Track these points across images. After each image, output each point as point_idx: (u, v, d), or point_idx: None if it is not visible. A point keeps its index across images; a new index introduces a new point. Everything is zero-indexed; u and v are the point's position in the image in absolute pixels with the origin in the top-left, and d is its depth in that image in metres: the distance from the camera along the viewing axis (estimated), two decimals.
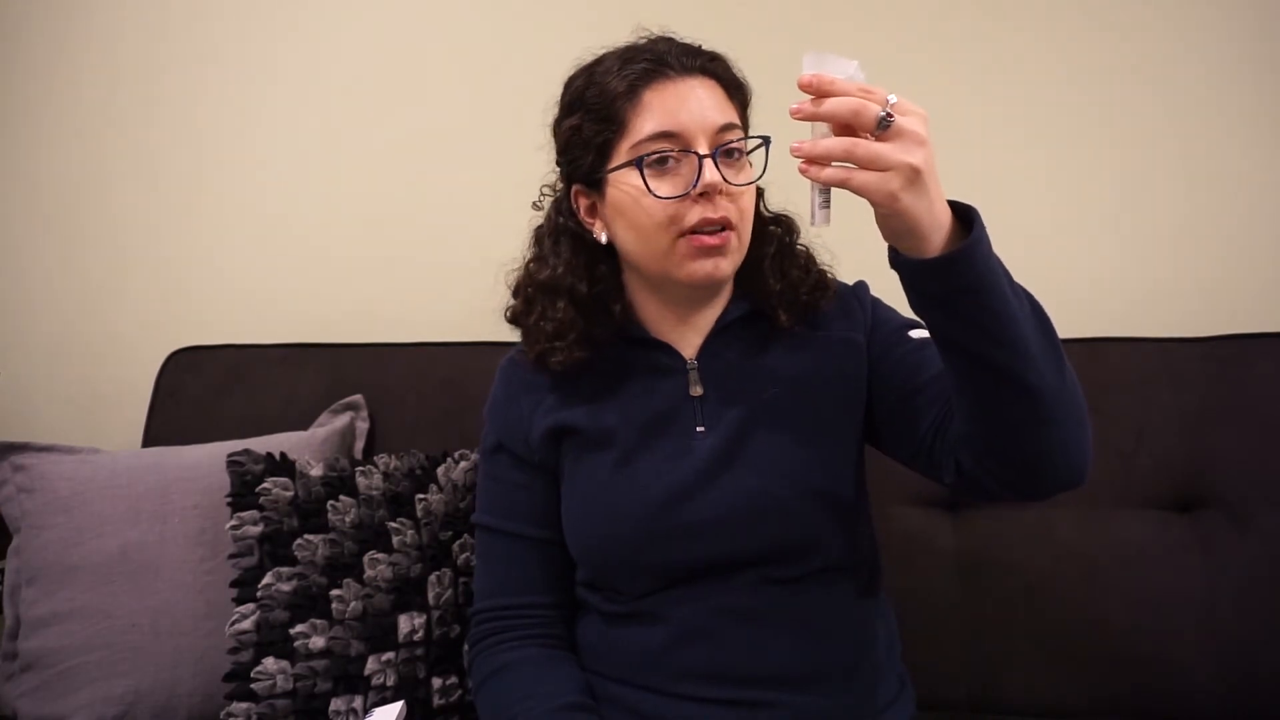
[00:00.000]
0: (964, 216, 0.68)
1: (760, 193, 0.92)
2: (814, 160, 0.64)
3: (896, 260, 0.68)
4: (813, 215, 0.67)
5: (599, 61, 0.86)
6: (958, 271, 0.65)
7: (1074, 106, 1.38)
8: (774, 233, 0.93)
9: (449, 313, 1.53)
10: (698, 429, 0.87)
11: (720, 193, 0.80)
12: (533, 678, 0.87)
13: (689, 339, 0.91)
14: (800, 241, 0.94)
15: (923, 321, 0.83)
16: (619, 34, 0.88)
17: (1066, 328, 1.26)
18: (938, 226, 0.65)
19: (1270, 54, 1.32)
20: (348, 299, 1.61)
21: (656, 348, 0.91)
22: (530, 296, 0.92)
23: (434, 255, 1.59)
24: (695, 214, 0.80)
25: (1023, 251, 1.40)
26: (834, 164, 0.63)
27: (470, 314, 1.44)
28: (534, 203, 0.96)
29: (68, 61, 1.68)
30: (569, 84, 0.88)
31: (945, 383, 0.77)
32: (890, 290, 0.94)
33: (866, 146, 0.62)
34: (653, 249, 0.83)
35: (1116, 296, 1.37)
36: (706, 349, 0.91)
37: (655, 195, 0.80)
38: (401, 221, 1.60)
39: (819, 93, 0.63)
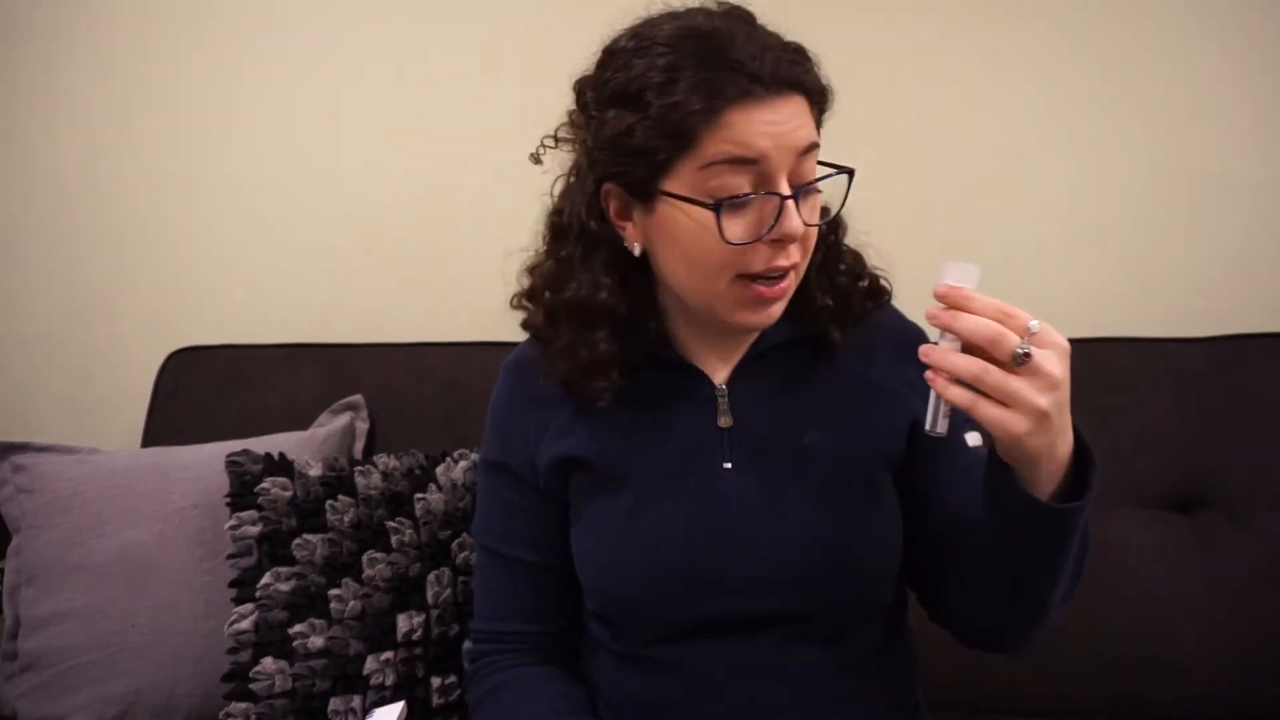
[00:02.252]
0: (1080, 448, 0.63)
1: None
2: (940, 371, 0.59)
3: (995, 470, 0.64)
4: (933, 422, 0.62)
5: (655, 44, 0.69)
6: (1053, 524, 0.63)
7: (1075, 107, 1.38)
8: (822, 232, 0.79)
9: (449, 313, 1.53)
10: (724, 465, 0.78)
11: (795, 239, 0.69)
12: (532, 695, 0.82)
13: (721, 362, 0.82)
14: (847, 242, 0.82)
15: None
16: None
17: (1067, 328, 1.26)
18: (1055, 462, 0.61)
19: (1273, 55, 1.32)
20: (348, 299, 1.61)
21: (684, 370, 0.81)
22: (554, 314, 0.79)
23: (434, 255, 1.59)
24: (762, 259, 0.69)
25: (1025, 251, 1.41)
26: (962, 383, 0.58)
27: (470, 314, 1.45)
28: (533, 154, 0.80)
29: (66, 61, 1.68)
30: (616, 60, 0.71)
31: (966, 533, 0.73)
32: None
33: (997, 378, 0.57)
34: (705, 288, 0.72)
35: (1117, 296, 1.37)
36: (739, 375, 0.81)
37: (727, 241, 0.67)
38: (402, 221, 1.60)
39: (955, 305, 0.58)
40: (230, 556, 1.05)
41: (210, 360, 1.47)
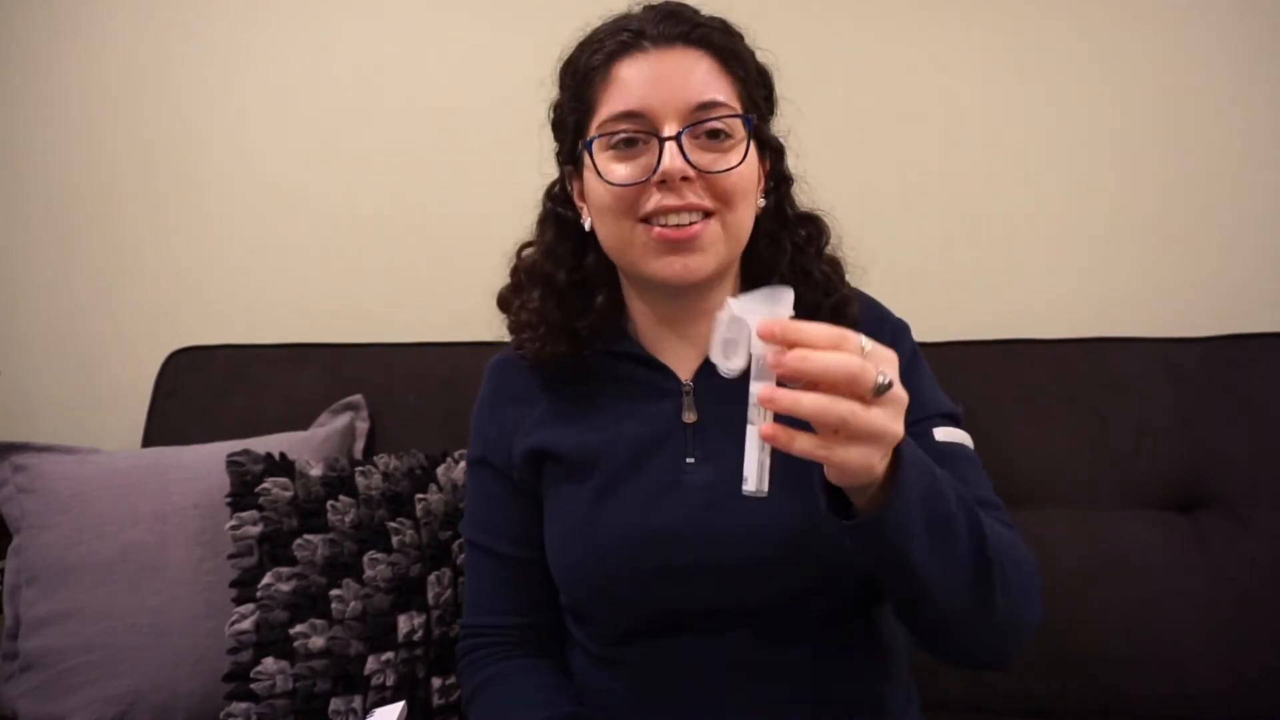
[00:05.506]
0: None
1: (785, 187, 0.83)
2: (782, 417, 0.52)
3: (829, 509, 0.60)
4: (758, 480, 0.54)
5: (590, 34, 0.79)
6: (874, 538, 0.58)
7: (1075, 106, 1.38)
8: (796, 239, 0.82)
9: (449, 313, 1.53)
10: (688, 460, 0.78)
11: (686, 179, 0.71)
12: (523, 688, 0.83)
13: (686, 355, 0.82)
14: (829, 251, 0.84)
15: (956, 412, 0.81)
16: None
17: (1067, 328, 1.28)
18: (877, 475, 0.56)
19: (1273, 54, 1.32)
20: (348, 299, 1.61)
21: (649, 365, 0.83)
22: (518, 282, 0.87)
23: (434, 255, 1.58)
24: (654, 200, 0.72)
25: (1024, 252, 1.41)
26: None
27: (470, 314, 1.44)
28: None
29: (67, 61, 1.68)
30: (561, 57, 0.82)
31: None
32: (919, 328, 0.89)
33: (865, 417, 0.51)
34: (616, 237, 0.76)
35: (1116, 296, 1.37)
36: (705, 369, 0.81)
37: (606, 181, 0.73)
38: (401, 221, 1.60)
39: (786, 342, 0.51)
40: (231, 556, 1.05)
41: (210, 360, 1.47)
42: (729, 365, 0.56)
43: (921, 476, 0.59)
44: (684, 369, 0.82)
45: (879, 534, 0.58)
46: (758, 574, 0.75)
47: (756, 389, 0.54)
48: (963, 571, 0.63)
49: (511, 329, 0.87)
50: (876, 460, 0.53)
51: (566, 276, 0.82)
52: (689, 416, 0.80)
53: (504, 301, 0.89)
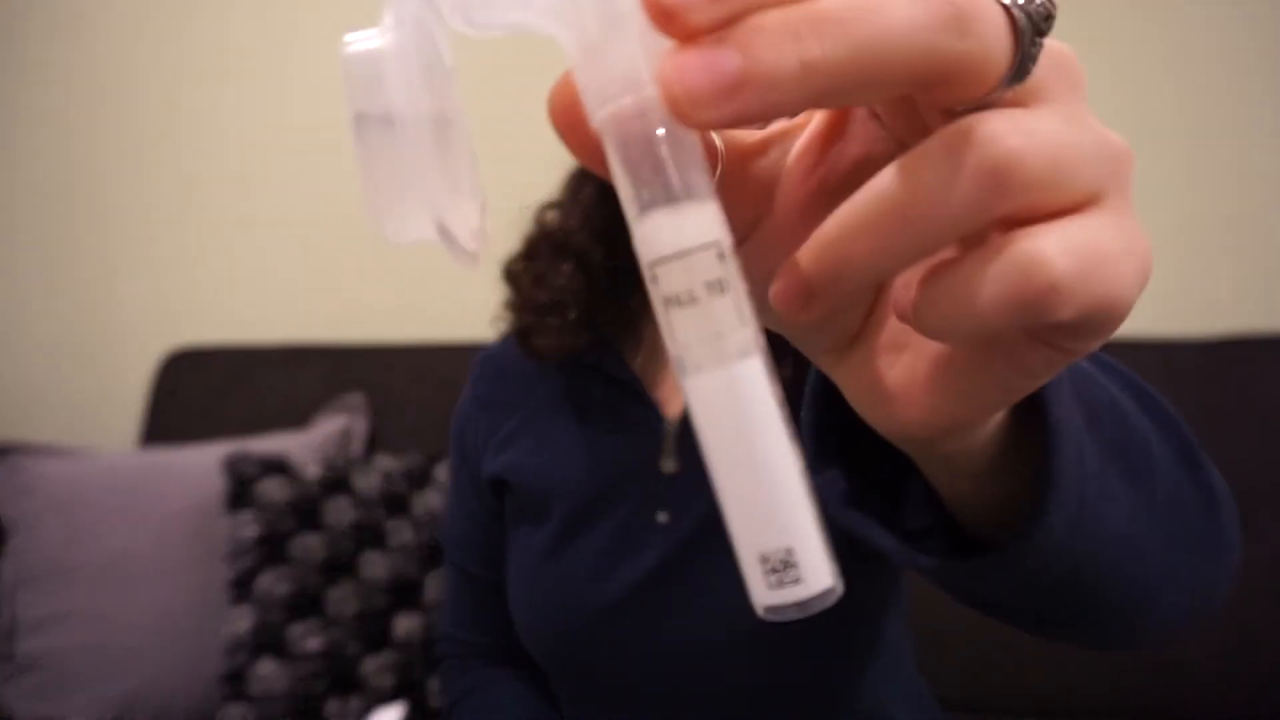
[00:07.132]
0: None
1: None
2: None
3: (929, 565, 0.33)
4: (817, 553, 0.19)
5: None
6: (1047, 535, 0.30)
7: None
8: None
9: (449, 313, 1.53)
10: (659, 518, 0.66)
11: None
12: (509, 697, 0.78)
13: (678, 389, 0.67)
14: None
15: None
16: None
17: None
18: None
19: (1274, 53, 1.32)
20: (348, 299, 1.61)
21: (630, 392, 0.69)
22: (533, 248, 0.71)
23: (435, 255, 1.57)
24: None
25: None
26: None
27: (470, 314, 1.44)
28: None
29: (63, 59, 1.68)
30: None
31: None
32: None
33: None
34: None
35: None
36: None
37: None
38: None
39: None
40: (228, 557, 1.05)
41: (210, 360, 1.47)
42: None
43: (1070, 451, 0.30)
44: (674, 403, 0.70)
45: (1058, 521, 0.29)
46: (711, 666, 0.64)
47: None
48: (1173, 480, 0.37)
49: (515, 307, 0.71)
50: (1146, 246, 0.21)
51: (604, 257, 0.68)
52: (669, 466, 0.67)
53: (515, 276, 0.71)
